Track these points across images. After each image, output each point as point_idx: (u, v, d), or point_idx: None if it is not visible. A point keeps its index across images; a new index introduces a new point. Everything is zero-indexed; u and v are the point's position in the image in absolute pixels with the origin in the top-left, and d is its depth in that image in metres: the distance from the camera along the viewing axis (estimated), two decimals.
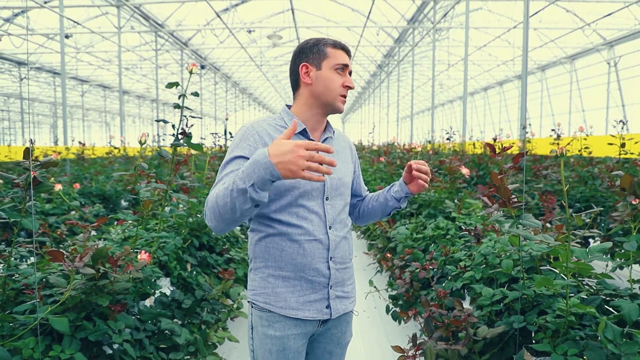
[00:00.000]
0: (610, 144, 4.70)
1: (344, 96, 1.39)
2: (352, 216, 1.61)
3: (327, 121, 1.47)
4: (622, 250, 2.44)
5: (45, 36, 16.53)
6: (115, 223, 2.95)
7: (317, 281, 1.34)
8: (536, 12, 12.20)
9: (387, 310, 2.75)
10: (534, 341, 1.69)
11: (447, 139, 7.37)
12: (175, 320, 2.30)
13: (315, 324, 1.38)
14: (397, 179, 5.47)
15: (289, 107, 1.46)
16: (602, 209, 2.38)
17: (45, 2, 11.78)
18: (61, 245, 3.59)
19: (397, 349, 1.86)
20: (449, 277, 2.40)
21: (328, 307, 1.37)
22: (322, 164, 1.09)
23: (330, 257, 1.35)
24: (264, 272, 1.37)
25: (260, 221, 1.36)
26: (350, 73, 1.42)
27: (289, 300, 1.34)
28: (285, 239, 1.32)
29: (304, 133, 1.38)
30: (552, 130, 6.56)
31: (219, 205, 1.15)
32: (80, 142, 8.96)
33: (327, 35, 20.15)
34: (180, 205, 3.15)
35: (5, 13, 14.27)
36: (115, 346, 1.78)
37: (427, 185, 1.43)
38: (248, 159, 1.27)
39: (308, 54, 1.39)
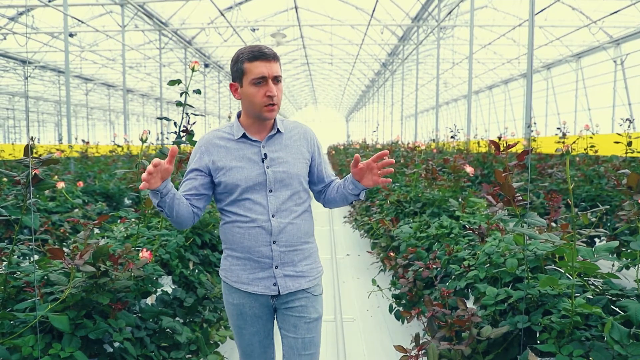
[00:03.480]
0: (617, 142, 4.66)
1: (270, 104, 1.49)
2: (320, 201, 1.77)
3: (275, 120, 1.59)
4: (629, 250, 2.41)
5: (49, 35, 16.58)
6: (119, 221, 2.95)
7: (262, 262, 1.53)
8: (542, 10, 12.12)
9: (390, 309, 2.73)
10: (538, 341, 1.67)
11: (452, 137, 7.34)
12: (176, 318, 2.29)
13: (267, 298, 1.57)
14: (400, 178, 5.44)
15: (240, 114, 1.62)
16: (608, 207, 2.35)
17: (50, 1, 11.80)
18: (64, 243, 3.59)
19: (399, 348, 1.84)
20: (453, 277, 2.38)
21: (275, 284, 1.54)
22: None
23: (274, 241, 1.53)
24: (225, 252, 1.62)
25: (221, 212, 1.61)
26: (276, 78, 1.49)
27: (241, 277, 1.56)
28: (235, 225, 1.54)
29: (245, 137, 1.55)
30: (558, 128, 6.51)
31: None
32: (83, 140, 8.99)
33: (331, 34, 20.12)
34: None
35: (10, 12, 14.33)
36: (116, 344, 1.77)
37: (386, 180, 1.53)
38: (199, 170, 1.54)
39: (232, 73, 1.53)
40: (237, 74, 1.50)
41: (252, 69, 1.46)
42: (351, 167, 1.55)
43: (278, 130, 1.58)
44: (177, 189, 1.51)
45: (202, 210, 1.57)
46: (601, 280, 1.84)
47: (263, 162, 1.53)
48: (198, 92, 2.48)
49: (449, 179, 4.20)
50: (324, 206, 1.78)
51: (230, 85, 1.55)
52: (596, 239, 3.94)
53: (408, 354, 1.83)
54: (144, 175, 1.30)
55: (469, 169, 3.86)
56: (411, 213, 4.10)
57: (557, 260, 1.94)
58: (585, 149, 6.07)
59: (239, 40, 17.20)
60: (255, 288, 1.54)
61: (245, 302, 1.57)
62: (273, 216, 1.52)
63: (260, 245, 1.52)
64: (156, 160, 1.31)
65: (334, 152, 17.69)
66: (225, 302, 1.63)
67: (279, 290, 1.54)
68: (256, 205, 1.52)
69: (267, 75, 1.46)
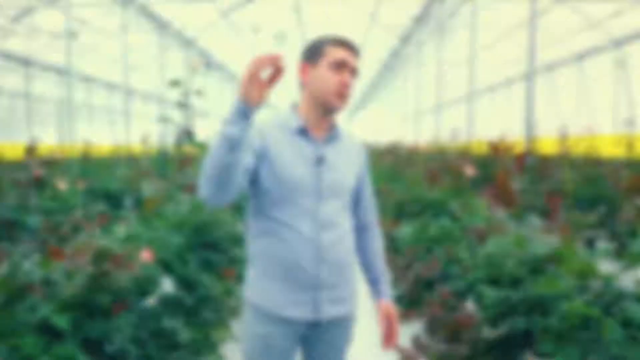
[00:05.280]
0: (618, 144, 4.65)
1: (342, 94, 1.33)
2: None
3: (335, 124, 1.42)
4: (628, 252, 2.41)
5: (51, 35, 16.60)
6: (120, 222, 2.96)
7: (304, 281, 1.32)
8: (543, 11, 12.10)
9: None
10: (537, 342, 1.67)
11: (452, 138, 7.33)
12: (177, 318, 2.29)
13: (303, 324, 1.35)
14: (401, 177, 5.43)
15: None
16: (608, 209, 2.35)
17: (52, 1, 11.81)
18: (66, 244, 3.60)
19: (399, 349, 1.84)
20: (453, 278, 2.38)
21: (316, 309, 1.34)
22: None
23: (322, 258, 1.33)
24: (255, 271, 1.39)
25: (257, 216, 1.37)
26: (354, 71, 1.36)
27: (277, 299, 1.33)
28: (275, 235, 1.33)
29: (303, 131, 1.37)
30: (559, 130, 6.50)
31: (211, 155, 1.14)
32: (85, 141, 8.99)
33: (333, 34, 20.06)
34: (184, 204, 3.14)
35: (11, 12, 14.35)
36: (116, 344, 1.77)
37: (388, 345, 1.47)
38: (252, 148, 1.31)
39: (307, 53, 1.38)
40: (315, 54, 1.35)
41: (333, 52, 1.32)
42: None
43: (338, 134, 1.42)
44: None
45: (239, 190, 1.25)
46: (600, 282, 1.84)
47: (317, 164, 1.35)
48: (199, 92, 2.49)
49: (450, 180, 4.20)
50: None
51: (302, 65, 1.38)
52: (596, 241, 3.94)
53: (408, 354, 1.83)
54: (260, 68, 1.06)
55: (469, 170, 3.86)
56: (412, 214, 4.10)
57: (556, 261, 1.94)
58: (586, 151, 6.06)
59: (241, 41, 17.21)
60: (293, 312, 1.32)
61: (275, 332, 1.33)
62: (322, 228, 1.33)
63: (305, 262, 1.31)
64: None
65: None
66: (250, 333, 1.37)
67: (319, 317, 1.34)
68: (304, 212, 1.32)
69: (347, 61, 1.33)
